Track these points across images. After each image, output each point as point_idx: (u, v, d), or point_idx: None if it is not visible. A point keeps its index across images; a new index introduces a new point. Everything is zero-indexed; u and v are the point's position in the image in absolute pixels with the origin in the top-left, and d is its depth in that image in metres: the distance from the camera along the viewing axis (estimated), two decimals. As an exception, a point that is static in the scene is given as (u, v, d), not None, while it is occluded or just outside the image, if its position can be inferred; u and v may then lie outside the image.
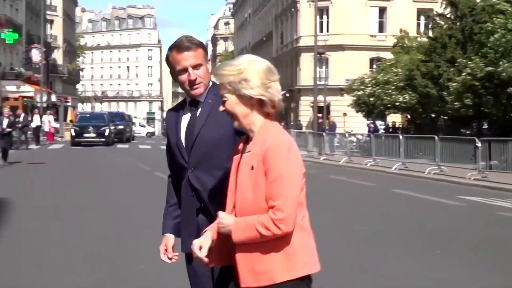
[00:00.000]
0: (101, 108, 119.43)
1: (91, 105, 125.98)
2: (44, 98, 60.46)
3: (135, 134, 61.43)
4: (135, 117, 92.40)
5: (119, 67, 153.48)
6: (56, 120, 57.33)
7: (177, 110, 4.03)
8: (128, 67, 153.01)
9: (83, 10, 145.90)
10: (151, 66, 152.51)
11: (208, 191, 3.77)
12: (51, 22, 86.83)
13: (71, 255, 9.40)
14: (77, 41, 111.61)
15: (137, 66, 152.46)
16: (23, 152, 30.42)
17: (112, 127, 43.77)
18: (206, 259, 3.34)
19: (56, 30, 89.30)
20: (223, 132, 3.77)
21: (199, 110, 3.91)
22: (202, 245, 3.35)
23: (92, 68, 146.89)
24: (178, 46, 3.88)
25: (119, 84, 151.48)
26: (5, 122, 22.04)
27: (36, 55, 66.99)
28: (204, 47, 3.96)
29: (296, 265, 3.18)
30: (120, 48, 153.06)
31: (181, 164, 3.81)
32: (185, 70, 3.85)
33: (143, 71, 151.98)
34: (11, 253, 9.51)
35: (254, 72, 3.28)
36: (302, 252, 3.22)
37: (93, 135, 41.23)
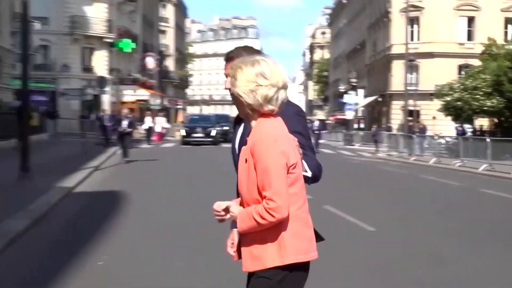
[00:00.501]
0: (209, 110, 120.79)
1: (199, 107, 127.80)
2: (158, 101, 61.99)
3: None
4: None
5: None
6: (167, 121, 58.35)
7: (239, 117, 3.82)
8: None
9: (193, 22, 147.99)
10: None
11: None
12: (164, 32, 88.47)
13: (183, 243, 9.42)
14: (187, 50, 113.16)
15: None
16: (137, 150, 30.90)
17: (218, 128, 43.91)
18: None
19: (168, 40, 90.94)
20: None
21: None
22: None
23: (200, 74, 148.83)
24: (228, 57, 3.92)
25: (224, 89, 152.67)
26: (125, 122, 22.57)
27: (150, 62, 68.65)
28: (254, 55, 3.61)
29: (286, 253, 3.16)
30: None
31: (235, 167, 3.62)
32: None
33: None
34: (135, 237, 9.76)
35: (241, 73, 3.23)
36: (294, 241, 3.19)
37: (201, 135, 41.61)
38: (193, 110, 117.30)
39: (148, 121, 42.82)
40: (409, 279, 7.68)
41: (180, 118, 69.38)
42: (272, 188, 3.07)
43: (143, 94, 59.26)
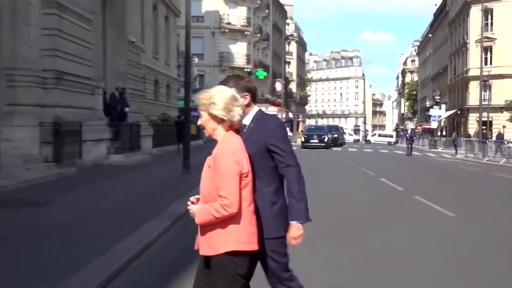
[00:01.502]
0: (322, 122, 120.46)
1: (315, 120, 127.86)
2: (284, 115, 62.25)
3: (345, 141, 61.29)
4: (346, 129, 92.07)
5: (334, 93, 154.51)
6: (291, 130, 58.81)
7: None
8: (341, 93, 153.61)
9: (310, 54, 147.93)
10: (357, 93, 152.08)
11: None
12: (289, 63, 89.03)
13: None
14: (306, 76, 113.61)
15: (347, 93, 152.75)
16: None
17: (330, 136, 44.17)
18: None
19: (291, 68, 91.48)
20: (257, 150, 3.45)
21: (245, 131, 3.56)
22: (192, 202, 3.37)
23: (316, 94, 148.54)
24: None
25: (334, 105, 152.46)
26: None
27: (278, 86, 69.16)
28: (238, 85, 3.65)
29: (231, 242, 3.15)
30: (336, 80, 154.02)
31: None
32: None
33: (351, 96, 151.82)
34: None
35: (220, 99, 3.25)
36: (238, 233, 3.16)
37: (316, 141, 41.70)
38: (310, 122, 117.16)
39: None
40: (482, 255, 7.29)
41: (301, 128, 69.54)
42: (226, 189, 3.09)
43: (273, 110, 59.75)
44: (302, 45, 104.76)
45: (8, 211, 9.12)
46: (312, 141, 41.91)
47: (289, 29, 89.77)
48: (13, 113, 14.54)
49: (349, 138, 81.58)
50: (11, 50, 14.73)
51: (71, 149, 15.83)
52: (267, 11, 68.09)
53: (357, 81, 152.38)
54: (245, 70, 56.23)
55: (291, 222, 3.52)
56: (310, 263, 6.29)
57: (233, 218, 3.15)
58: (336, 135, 48.63)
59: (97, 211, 9.08)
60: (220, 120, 3.27)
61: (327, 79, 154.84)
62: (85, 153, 16.55)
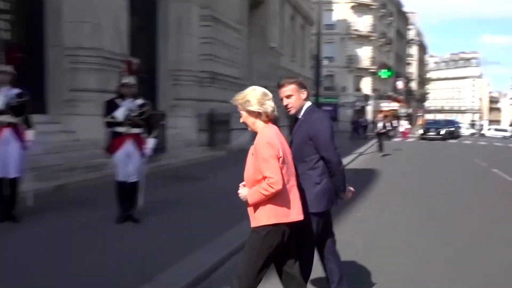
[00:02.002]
0: (440, 117, 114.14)
1: (433, 115, 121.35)
2: (404, 110, 59.88)
3: (461, 134, 57.37)
4: (462, 123, 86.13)
5: (452, 91, 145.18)
6: (410, 123, 56.47)
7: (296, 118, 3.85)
8: (459, 91, 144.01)
9: (431, 56, 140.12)
10: (474, 90, 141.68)
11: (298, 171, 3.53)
12: (410, 64, 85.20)
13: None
14: (425, 75, 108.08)
15: (464, 91, 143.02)
16: (389, 142, 30.06)
17: (446, 129, 41.95)
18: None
19: (412, 69, 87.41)
20: (303, 139, 3.65)
21: (297, 123, 3.78)
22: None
23: (435, 91, 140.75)
24: (279, 84, 3.80)
25: (452, 102, 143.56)
26: (380, 125, 21.80)
27: (400, 84, 66.58)
28: (297, 83, 3.75)
29: (272, 215, 3.17)
30: (454, 79, 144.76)
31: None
32: (282, 99, 3.78)
33: (469, 93, 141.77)
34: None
35: (253, 96, 3.26)
36: (277, 207, 3.18)
37: (434, 133, 39.70)
38: (429, 116, 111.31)
39: (397, 123, 41.84)
40: None
41: (420, 122, 66.43)
42: (270, 170, 3.12)
43: (394, 105, 57.82)
44: (423, 48, 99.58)
45: (178, 183, 9.91)
46: (429, 133, 39.96)
47: (411, 34, 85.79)
48: (177, 106, 15.55)
49: (465, 131, 76.22)
50: (176, 56, 15.71)
51: (222, 135, 16.57)
52: (391, 18, 65.68)
53: (474, 80, 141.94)
54: (370, 70, 55.04)
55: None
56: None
57: (273, 196, 3.18)
58: (452, 129, 45.87)
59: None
60: (256, 115, 3.30)
61: (446, 78, 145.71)
62: (232, 140, 17.24)
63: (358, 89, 54.28)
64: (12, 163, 5.85)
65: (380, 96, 57.41)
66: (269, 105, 3.31)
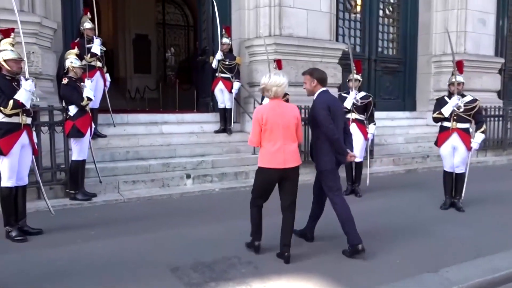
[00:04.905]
0: None
1: None
2: None
3: None
4: None
5: None
6: None
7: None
8: None
9: None
10: None
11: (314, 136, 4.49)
12: None
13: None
14: None
15: None
16: None
17: None
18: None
19: None
20: (311, 115, 4.37)
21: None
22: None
23: None
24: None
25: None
26: None
27: None
28: (310, 73, 4.42)
29: (260, 161, 4.10)
30: None
31: None
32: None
33: None
34: None
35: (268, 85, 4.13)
36: (262, 157, 4.08)
37: None
38: None
39: None
40: None
41: None
42: (251, 131, 4.13)
43: None
44: None
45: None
46: None
47: None
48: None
49: None
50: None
51: None
52: None
53: None
54: None
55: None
56: None
57: (261, 150, 4.10)
58: None
59: None
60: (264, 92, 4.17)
61: None
62: None
63: None
64: (357, 150, 6.93)
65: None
66: (273, 91, 4.06)
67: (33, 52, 6.51)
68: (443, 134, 6.39)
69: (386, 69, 11.69)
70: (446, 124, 6.36)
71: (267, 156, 4.02)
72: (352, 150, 4.38)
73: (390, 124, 11.09)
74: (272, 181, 4.08)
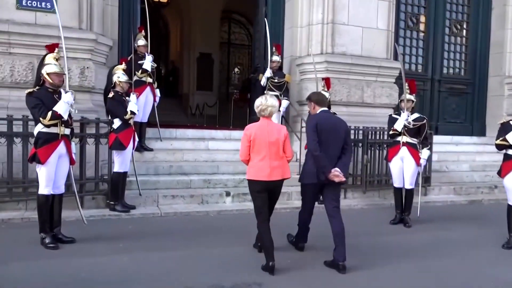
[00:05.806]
0: None
1: None
2: None
3: None
4: None
5: None
6: None
7: None
8: None
9: None
10: None
11: None
12: None
13: None
14: None
15: None
16: None
17: None
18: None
19: None
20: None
21: None
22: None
23: None
24: None
25: None
26: None
27: None
28: (309, 98, 4.78)
29: (248, 174, 4.39)
30: None
31: None
32: None
33: None
34: None
35: (256, 107, 4.64)
36: (250, 170, 4.38)
37: None
38: None
39: None
40: None
41: None
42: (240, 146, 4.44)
43: None
44: None
45: None
46: None
47: None
48: None
49: None
50: None
51: None
52: None
53: None
54: None
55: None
56: None
57: (249, 164, 4.37)
58: None
59: None
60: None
61: None
62: None
63: None
64: (407, 177, 6.45)
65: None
66: (260, 108, 4.43)
67: (87, 67, 6.77)
68: (508, 163, 5.69)
69: (452, 90, 10.97)
70: (511, 152, 5.70)
71: (253, 169, 4.34)
72: (343, 171, 4.45)
73: (454, 149, 10.33)
74: (259, 192, 4.33)
